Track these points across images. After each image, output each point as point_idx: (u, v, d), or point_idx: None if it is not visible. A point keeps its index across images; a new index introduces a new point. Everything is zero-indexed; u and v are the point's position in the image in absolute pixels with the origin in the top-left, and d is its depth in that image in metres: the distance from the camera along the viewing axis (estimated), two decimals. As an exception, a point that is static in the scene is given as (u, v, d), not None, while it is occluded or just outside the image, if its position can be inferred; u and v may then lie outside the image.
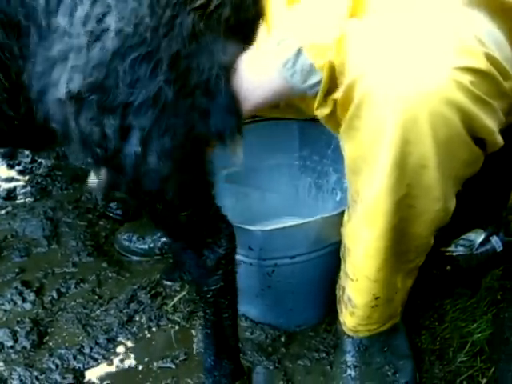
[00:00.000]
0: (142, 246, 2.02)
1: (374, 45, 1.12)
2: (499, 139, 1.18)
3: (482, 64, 1.09)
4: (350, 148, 1.22)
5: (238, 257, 1.56)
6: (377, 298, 1.36)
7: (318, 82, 1.16)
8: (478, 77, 1.09)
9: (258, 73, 1.18)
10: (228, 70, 1.14)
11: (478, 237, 1.80)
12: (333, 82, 1.17)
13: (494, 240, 1.79)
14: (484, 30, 1.17)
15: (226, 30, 1.13)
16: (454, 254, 1.77)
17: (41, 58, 1.10)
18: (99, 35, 1.05)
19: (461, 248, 1.78)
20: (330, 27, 1.16)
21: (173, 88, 1.08)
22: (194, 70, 1.09)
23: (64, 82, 1.07)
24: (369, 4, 1.20)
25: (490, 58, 1.10)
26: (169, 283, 1.88)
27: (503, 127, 1.38)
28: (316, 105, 1.20)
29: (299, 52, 1.13)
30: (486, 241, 1.79)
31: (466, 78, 1.07)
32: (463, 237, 1.81)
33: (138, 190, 1.19)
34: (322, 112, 1.22)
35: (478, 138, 1.14)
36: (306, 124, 1.80)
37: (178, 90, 1.09)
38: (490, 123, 1.13)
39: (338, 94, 1.17)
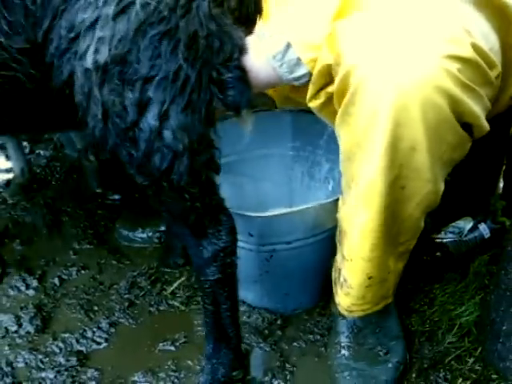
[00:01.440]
0: (141, 235, 2.07)
1: (368, 36, 1.21)
2: (485, 124, 1.26)
3: (468, 53, 1.18)
4: (345, 134, 1.29)
5: (237, 243, 1.62)
6: (370, 278, 1.42)
7: (304, 75, 1.29)
8: (465, 65, 1.17)
9: (254, 60, 1.29)
10: (243, 51, 1.24)
11: (466, 224, 1.86)
12: (324, 78, 1.28)
13: (482, 227, 1.84)
14: (472, 21, 1.25)
15: (233, 20, 1.23)
16: (444, 240, 1.82)
17: (67, 23, 1.14)
18: (126, 6, 1.11)
19: (450, 235, 1.84)
20: (318, 25, 1.27)
21: (193, 66, 1.15)
22: (215, 49, 1.18)
23: (91, 53, 1.12)
24: (359, 3, 1.26)
25: (475, 48, 1.19)
26: (168, 270, 1.93)
27: (490, 116, 1.45)
28: (309, 97, 1.34)
29: (288, 46, 1.26)
30: (475, 228, 1.85)
31: (454, 66, 1.16)
32: (453, 224, 1.87)
33: (147, 167, 1.22)
34: (314, 103, 1.35)
35: (465, 122, 1.23)
36: (299, 115, 1.85)
37: (200, 68, 1.16)
38: (476, 109, 1.22)
39: (332, 88, 1.25)
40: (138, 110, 1.16)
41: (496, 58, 1.26)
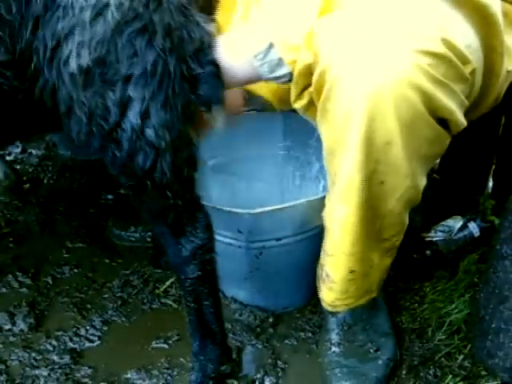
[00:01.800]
0: (134, 234, 2.08)
1: (342, 34, 1.23)
2: (461, 120, 1.28)
3: (439, 48, 1.20)
4: (325, 131, 1.32)
5: (227, 240, 1.64)
6: (352, 272, 1.43)
7: (285, 75, 1.32)
8: (436, 60, 1.20)
9: (233, 59, 1.31)
10: (213, 39, 1.26)
11: (456, 223, 1.88)
12: (306, 78, 1.31)
13: (472, 226, 1.87)
14: (447, 19, 1.27)
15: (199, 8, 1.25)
16: (434, 239, 1.85)
17: (49, 32, 1.15)
18: (101, 9, 1.13)
19: (440, 233, 1.86)
20: (300, 26, 1.29)
21: (168, 60, 1.17)
22: (186, 39, 1.20)
23: (74, 57, 1.14)
24: (341, 4, 1.29)
25: (446, 43, 1.21)
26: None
27: (477, 115, 1.47)
28: (293, 98, 1.37)
29: (270, 46, 1.28)
30: (464, 227, 1.87)
31: (425, 61, 1.18)
32: (442, 223, 1.89)
33: (131, 167, 1.24)
34: (299, 104, 1.38)
35: (440, 118, 1.25)
36: (289, 115, 1.85)
37: (175, 61, 1.18)
38: (450, 104, 1.24)
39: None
40: (119, 110, 1.18)
41: (473, 55, 1.28)
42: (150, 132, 1.20)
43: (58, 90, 1.19)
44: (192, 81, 1.22)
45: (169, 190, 1.28)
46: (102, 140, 1.22)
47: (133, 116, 1.18)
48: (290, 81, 1.35)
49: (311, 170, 1.96)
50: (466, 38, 1.28)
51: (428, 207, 1.99)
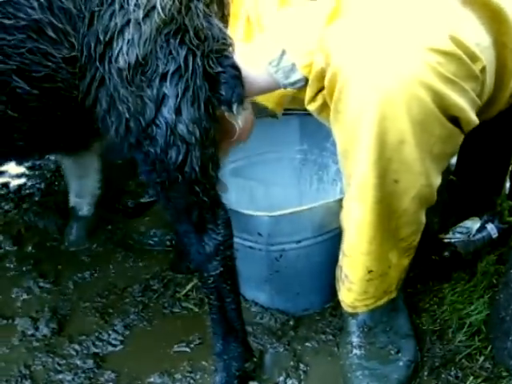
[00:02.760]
0: (154, 238, 2.10)
1: (353, 37, 1.26)
2: (472, 118, 1.29)
3: (448, 46, 1.21)
4: (338, 132, 1.34)
5: (247, 243, 1.66)
6: (370, 272, 1.44)
7: (299, 80, 1.36)
8: (445, 58, 1.21)
9: (250, 67, 1.37)
10: (232, 45, 1.35)
11: (474, 224, 1.88)
12: (320, 81, 1.34)
13: (490, 227, 1.87)
14: (456, 17, 1.28)
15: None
16: (452, 240, 1.85)
17: (101, 27, 1.23)
18: (150, 10, 1.22)
19: (458, 235, 1.86)
20: (310, 33, 1.33)
21: (197, 52, 1.26)
22: (210, 38, 1.29)
23: (123, 53, 1.22)
24: (349, 10, 1.32)
25: (455, 40, 1.22)
26: (180, 274, 1.96)
27: (492, 114, 1.48)
28: (307, 100, 1.41)
29: (283, 53, 1.34)
30: (482, 228, 1.87)
31: (434, 59, 1.20)
32: (460, 224, 1.90)
33: (163, 162, 1.30)
34: (313, 106, 1.41)
35: (451, 116, 1.26)
36: (305, 118, 1.88)
37: (201, 54, 1.27)
38: (460, 101, 1.25)
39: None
40: (155, 106, 1.26)
41: (483, 53, 1.28)
42: (181, 127, 1.28)
43: (103, 86, 1.27)
44: (213, 79, 1.30)
45: (197, 185, 1.34)
46: (138, 135, 1.29)
47: (167, 112, 1.27)
48: (305, 86, 1.38)
49: (328, 173, 1.97)
50: (476, 35, 1.29)
51: (445, 209, 2.00)
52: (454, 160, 2.15)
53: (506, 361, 1.53)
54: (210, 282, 1.44)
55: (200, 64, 1.27)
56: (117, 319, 1.78)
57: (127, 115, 1.27)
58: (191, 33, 1.26)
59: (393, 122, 1.21)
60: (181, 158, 1.29)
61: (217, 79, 1.31)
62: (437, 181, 1.36)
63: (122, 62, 1.22)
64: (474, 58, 1.25)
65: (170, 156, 1.29)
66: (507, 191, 2.03)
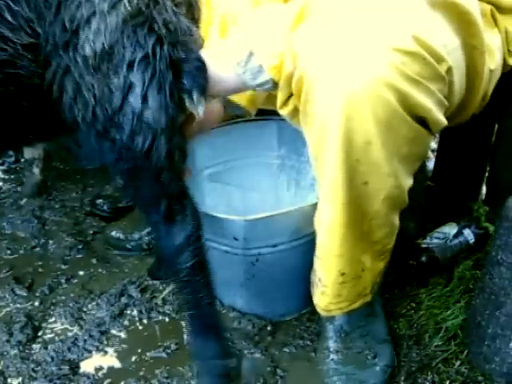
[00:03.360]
0: (131, 243, 2.08)
1: (317, 38, 1.27)
2: (440, 118, 1.30)
3: (410, 45, 1.21)
4: (308, 135, 1.34)
5: (223, 247, 1.66)
6: (343, 274, 1.44)
7: (267, 81, 1.37)
8: (408, 57, 1.21)
9: (219, 66, 1.38)
10: (200, 41, 1.41)
11: (451, 230, 1.89)
12: (290, 86, 1.34)
13: (467, 232, 1.88)
14: (422, 19, 1.29)
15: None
16: (430, 245, 1.86)
17: (68, 17, 1.25)
18: (116, 3, 1.24)
19: (436, 240, 1.87)
20: (277, 35, 1.34)
21: (165, 41, 1.29)
22: (177, 29, 1.32)
23: (89, 42, 1.24)
24: (316, 12, 1.32)
25: (417, 40, 1.22)
26: (158, 279, 1.94)
27: (466, 118, 1.49)
28: (279, 105, 1.41)
29: (251, 54, 1.34)
30: (459, 233, 1.88)
31: (397, 59, 1.20)
32: (438, 230, 1.90)
33: (130, 150, 1.31)
34: (285, 110, 1.41)
35: (417, 116, 1.26)
36: (283, 124, 1.87)
37: (168, 43, 1.30)
38: (426, 101, 1.25)
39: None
40: (122, 94, 1.27)
41: (450, 54, 1.29)
42: (148, 115, 1.29)
43: (69, 73, 1.28)
44: (177, 68, 1.32)
45: (163, 173, 1.35)
46: (105, 123, 1.30)
47: (134, 99, 1.28)
48: (273, 88, 1.39)
49: (306, 178, 1.97)
50: (443, 36, 1.30)
51: (423, 214, 2.01)
52: (431, 166, 2.17)
53: (482, 365, 1.54)
54: (182, 275, 1.41)
55: (166, 52, 1.29)
56: (92, 325, 1.76)
57: (94, 103, 1.28)
58: (160, 23, 1.28)
59: (358, 123, 1.21)
60: (147, 145, 1.30)
61: (180, 68, 1.33)
62: (406, 182, 1.36)
63: (88, 50, 1.24)
64: (438, 58, 1.26)
65: (137, 143, 1.30)
66: (483, 197, 2.04)
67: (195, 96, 1.34)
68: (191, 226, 1.41)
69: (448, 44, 1.30)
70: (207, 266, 1.44)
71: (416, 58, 1.22)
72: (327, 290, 1.49)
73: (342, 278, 1.45)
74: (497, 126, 1.88)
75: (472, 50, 1.36)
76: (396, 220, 1.43)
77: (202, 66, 1.35)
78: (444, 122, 1.31)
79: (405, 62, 1.20)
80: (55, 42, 1.26)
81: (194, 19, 1.44)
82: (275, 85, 1.37)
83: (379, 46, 1.20)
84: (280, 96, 1.39)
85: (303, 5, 1.32)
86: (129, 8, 1.24)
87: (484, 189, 2.04)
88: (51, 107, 1.34)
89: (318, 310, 1.55)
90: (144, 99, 1.28)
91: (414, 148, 1.32)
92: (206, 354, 1.47)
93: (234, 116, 1.91)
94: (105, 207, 2.27)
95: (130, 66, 1.26)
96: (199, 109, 1.35)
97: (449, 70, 1.29)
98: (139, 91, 1.27)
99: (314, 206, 1.52)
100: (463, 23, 1.33)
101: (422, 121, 1.28)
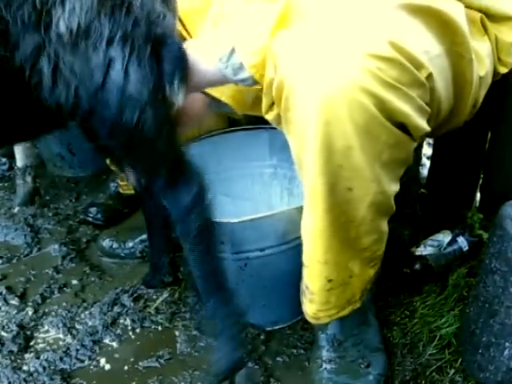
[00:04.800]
0: (125, 251, 2.08)
1: (296, 45, 1.26)
2: (420, 124, 1.28)
3: (386, 51, 1.20)
4: (291, 141, 1.33)
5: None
6: (330, 281, 1.43)
7: (247, 78, 1.37)
8: (385, 63, 1.20)
9: (201, 58, 1.39)
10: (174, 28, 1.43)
11: (445, 237, 1.89)
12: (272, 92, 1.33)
13: (461, 240, 1.88)
14: (401, 25, 1.27)
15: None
16: (423, 253, 1.85)
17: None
18: None
19: (429, 248, 1.87)
20: (259, 33, 1.33)
21: (142, 21, 1.31)
22: (152, 12, 1.34)
23: (63, 21, 1.24)
24: (299, 11, 1.32)
25: (394, 46, 1.21)
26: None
27: (459, 124, 1.49)
28: (264, 110, 1.41)
29: (233, 51, 1.34)
30: (453, 241, 1.88)
31: (373, 65, 1.19)
32: (431, 237, 1.90)
33: (120, 125, 1.31)
34: (270, 115, 1.41)
35: (396, 121, 1.25)
36: (275, 132, 1.86)
37: (146, 28, 1.32)
38: (405, 107, 1.23)
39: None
40: (103, 70, 1.28)
41: (432, 61, 1.28)
42: (131, 87, 1.29)
43: (43, 53, 1.27)
44: (157, 51, 1.34)
45: (157, 143, 1.37)
46: (89, 101, 1.30)
47: (115, 74, 1.29)
48: (253, 84, 1.39)
49: (298, 187, 1.96)
50: (423, 43, 1.28)
51: (417, 222, 2.01)
52: (425, 173, 2.17)
53: (476, 374, 1.54)
54: (193, 235, 1.43)
55: (144, 30, 1.31)
56: (85, 334, 1.75)
57: (76, 82, 1.28)
58: (137, 3, 1.30)
59: (336, 127, 1.20)
60: (136, 116, 1.30)
61: (160, 55, 1.34)
62: (391, 188, 1.34)
63: (62, 28, 1.24)
64: (418, 64, 1.24)
65: (126, 117, 1.30)
66: (478, 204, 2.04)
67: (175, 82, 1.35)
68: (196, 185, 1.42)
69: (430, 51, 1.29)
70: (214, 228, 1.46)
71: (393, 63, 1.21)
72: (315, 298, 1.47)
73: (330, 285, 1.44)
74: (490, 133, 1.88)
75: (459, 58, 1.36)
76: (384, 226, 1.42)
77: (181, 54, 1.37)
78: (425, 127, 1.30)
79: (381, 68, 1.19)
80: (23, 22, 1.25)
81: (169, 8, 1.45)
82: (256, 82, 1.37)
83: (353, 51, 1.19)
84: (264, 101, 1.39)
85: (285, 4, 1.32)
86: None
87: (478, 196, 2.04)
88: (31, 98, 1.33)
89: (308, 318, 1.53)
90: (125, 73, 1.29)
91: (395, 153, 1.30)
92: (221, 312, 1.47)
93: (225, 125, 1.90)
94: (98, 215, 2.27)
95: (109, 42, 1.27)
96: (179, 96, 1.35)
97: (429, 77, 1.28)
98: (120, 66, 1.28)
99: (301, 209, 1.52)
100: (447, 32, 1.33)
101: (403, 126, 1.27)
